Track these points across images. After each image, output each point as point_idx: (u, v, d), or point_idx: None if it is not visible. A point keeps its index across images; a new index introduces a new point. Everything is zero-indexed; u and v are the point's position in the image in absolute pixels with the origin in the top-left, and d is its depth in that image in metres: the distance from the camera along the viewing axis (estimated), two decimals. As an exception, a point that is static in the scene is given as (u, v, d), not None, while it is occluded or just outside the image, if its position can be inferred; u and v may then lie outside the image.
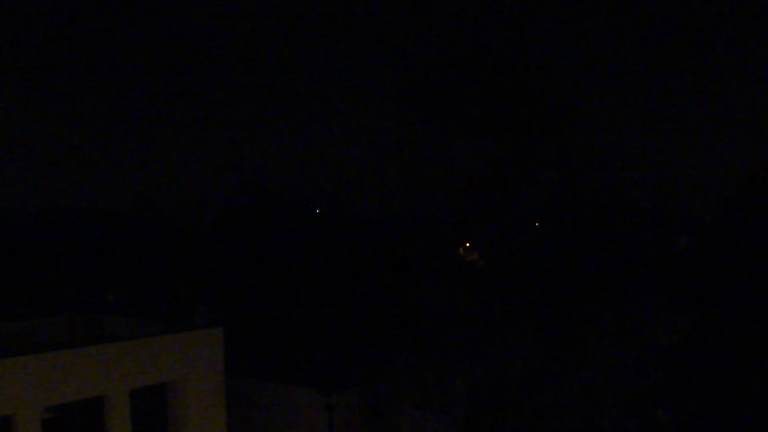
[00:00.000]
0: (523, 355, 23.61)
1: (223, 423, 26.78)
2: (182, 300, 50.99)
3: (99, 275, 55.08)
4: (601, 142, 25.70)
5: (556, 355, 23.98)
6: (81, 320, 31.32)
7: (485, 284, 25.44)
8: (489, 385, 25.79)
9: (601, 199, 25.11)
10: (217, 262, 53.99)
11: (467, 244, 27.00)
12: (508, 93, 24.62)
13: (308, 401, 29.08)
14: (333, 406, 27.12)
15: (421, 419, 30.88)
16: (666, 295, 24.37)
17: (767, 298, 31.54)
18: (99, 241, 56.34)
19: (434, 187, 25.59)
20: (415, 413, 31.03)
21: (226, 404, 27.08)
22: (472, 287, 25.46)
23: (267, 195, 57.39)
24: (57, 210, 61.56)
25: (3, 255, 54.93)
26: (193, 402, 25.67)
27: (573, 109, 25.22)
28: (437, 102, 25.06)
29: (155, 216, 61.95)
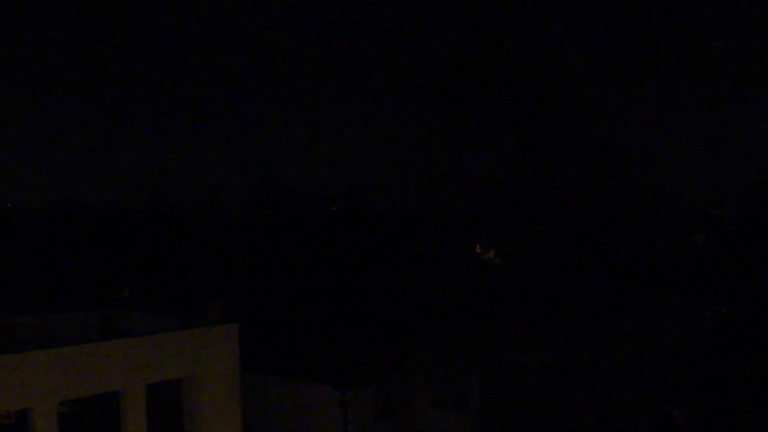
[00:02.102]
0: (538, 354, 23.53)
1: (238, 419, 26.82)
2: (198, 296, 51.18)
3: (115, 271, 55.36)
4: (618, 140, 25.58)
5: (572, 354, 23.88)
6: (97, 315, 31.48)
7: (501, 282, 25.38)
8: (504, 383, 25.74)
9: (618, 196, 24.96)
10: (233, 258, 54.11)
11: (484, 242, 26.92)
12: (525, 91, 24.52)
13: (323, 398, 29.10)
14: (347, 403, 27.15)
15: (436, 417, 30.85)
16: (683, 294, 24.19)
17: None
18: (115, 237, 56.61)
19: (451, 184, 25.52)
20: (429, 410, 31.01)
21: (241, 400, 27.13)
22: (487, 285, 25.40)
23: (283, 191, 57.34)
24: (73, 206, 61.88)
25: (20, 250, 55.32)
26: (209, 398, 25.72)
27: (590, 106, 25.10)
28: (454, 100, 25.00)
29: (171, 212, 62.17)
